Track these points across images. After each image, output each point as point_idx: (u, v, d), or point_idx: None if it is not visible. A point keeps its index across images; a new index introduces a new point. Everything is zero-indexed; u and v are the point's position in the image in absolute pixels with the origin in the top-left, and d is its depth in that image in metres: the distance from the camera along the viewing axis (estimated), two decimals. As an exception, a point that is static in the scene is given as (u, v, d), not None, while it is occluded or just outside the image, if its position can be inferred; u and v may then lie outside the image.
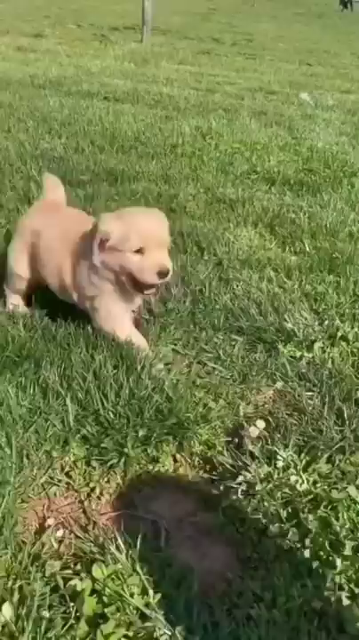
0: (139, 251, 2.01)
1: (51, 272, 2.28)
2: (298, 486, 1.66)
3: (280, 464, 1.74)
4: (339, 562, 1.43)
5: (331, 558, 1.45)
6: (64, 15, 16.21)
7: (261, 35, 17.16)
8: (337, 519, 1.55)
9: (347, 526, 1.54)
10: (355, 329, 2.54)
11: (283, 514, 1.58)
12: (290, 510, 1.59)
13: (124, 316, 2.23)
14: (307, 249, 3.35)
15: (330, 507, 1.60)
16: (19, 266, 2.40)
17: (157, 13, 14.02)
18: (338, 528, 1.52)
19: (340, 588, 1.40)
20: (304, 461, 1.76)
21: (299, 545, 1.51)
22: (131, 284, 2.08)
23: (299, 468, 1.73)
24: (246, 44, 14.75)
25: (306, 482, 1.68)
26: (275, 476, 1.69)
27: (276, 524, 1.56)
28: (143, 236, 2.00)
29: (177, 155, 4.91)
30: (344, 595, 1.38)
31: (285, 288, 2.85)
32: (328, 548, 1.48)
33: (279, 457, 1.76)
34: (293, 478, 1.68)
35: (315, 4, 36.76)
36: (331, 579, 1.41)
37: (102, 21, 15.32)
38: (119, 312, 2.20)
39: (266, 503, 1.61)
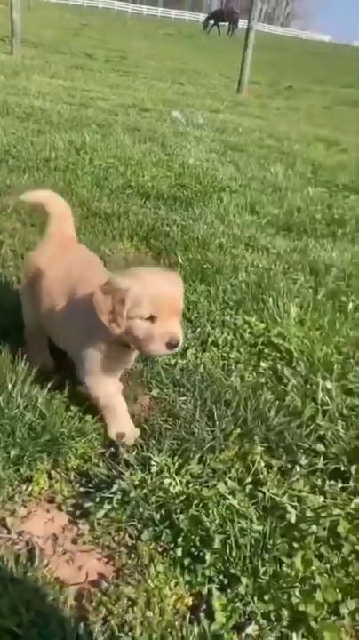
0: (150, 318, 1.81)
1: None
2: (171, 489, 1.72)
3: (154, 469, 1.79)
4: (208, 556, 1.51)
5: (201, 554, 1.53)
6: None
7: (134, 52, 17.56)
8: (207, 516, 1.63)
9: (216, 521, 1.62)
10: (225, 334, 2.68)
11: (157, 517, 1.63)
12: (163, 513, 1.65)
13: (110, 376, 2.04)
14: (181, 260, 3.47)
15: (201, 504, 1.67)
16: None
17: (28, 26, 13.80)
18: (208, 524, 1.60)
19: (210, 580, 1.48)
20: (177, 464, 1.83)
21: (171, 545, 1.56)
22: (138, 349, 1.90)
23: (172, 470, 1.79)
24: (119, 60, 15.01)
25: (179, 483, 1.75)
26: (149, 481, 1.74)
27: (150, 528, 1.61)
28: (156, 304, 1.79)
29: (50, 169, 4.86)
30: (214, 586, 1.46)
31: (159, 299, 2.93)
32: (198, 545, 1.55)
33: (153, 462, 1.81)
34: (166, 481, 1.74)
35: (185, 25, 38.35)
36: (202, 573, 1.48)
37: (-31, 31, 14.73)
38: (106, 370, 2.01)
39: (140, 509, 1.65)
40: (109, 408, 2.00)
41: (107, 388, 2.01)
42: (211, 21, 42.34)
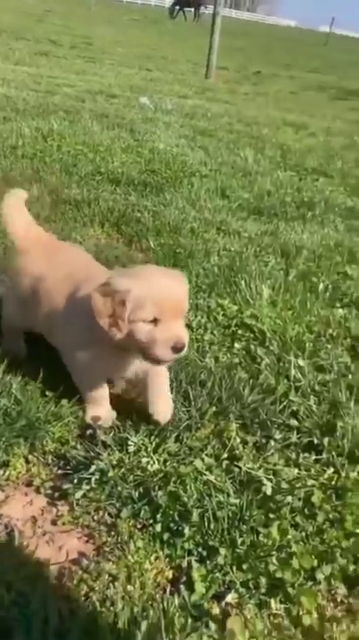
0: (153, 321, 1.72)
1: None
2: (149, 467, 1.74)
3: (131, 449, 1.80)
4: (187, 530, 1.54)
5: (180, 528, 1.56)
6: None
7: (99, 39, 17.27)
8: (185, 491, 1.66)
9: (194, 496, 1.65)
10: (199, 317, 2.70)
11: (136, 495, 1.65)
12: (142, 490, 1.67)
13: (104, 380, 2.01)
14: (153, 246, 3.47)
15: (179, 481, 1.70)
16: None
17: (-11, 11, 13.45)
18: (186, 499, 1.62)
19: (190, 553, 1.51)
20: (154, 443, 1.85)
21: (151, 521, 1.59)
22: (140, 355, 1.81)
23: (149, 450, 1.81)
24: (85, 47, 14.74)
25: (156, 462, 1.77)
26: (127, 461, 1.76)
27: (129, 506, 1.63)
28: (159, 305, 1.69)
29: (17, 156, 4.78)
30: (193, 559, 1.49)
31: (132, 283, 2.93)
32: (177, 519, 1.58)
33: (130, 442, 1.83)
34: (144, 460, 1.76)
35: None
36: (181, 546, 1.51)
37: None
38: (101, 375, 1.99)
39: (119, 487, 1.67)
40: (93, 398, 2.00)
41: (99, 390, 2.00)
42: (177, 7, 41.93)
